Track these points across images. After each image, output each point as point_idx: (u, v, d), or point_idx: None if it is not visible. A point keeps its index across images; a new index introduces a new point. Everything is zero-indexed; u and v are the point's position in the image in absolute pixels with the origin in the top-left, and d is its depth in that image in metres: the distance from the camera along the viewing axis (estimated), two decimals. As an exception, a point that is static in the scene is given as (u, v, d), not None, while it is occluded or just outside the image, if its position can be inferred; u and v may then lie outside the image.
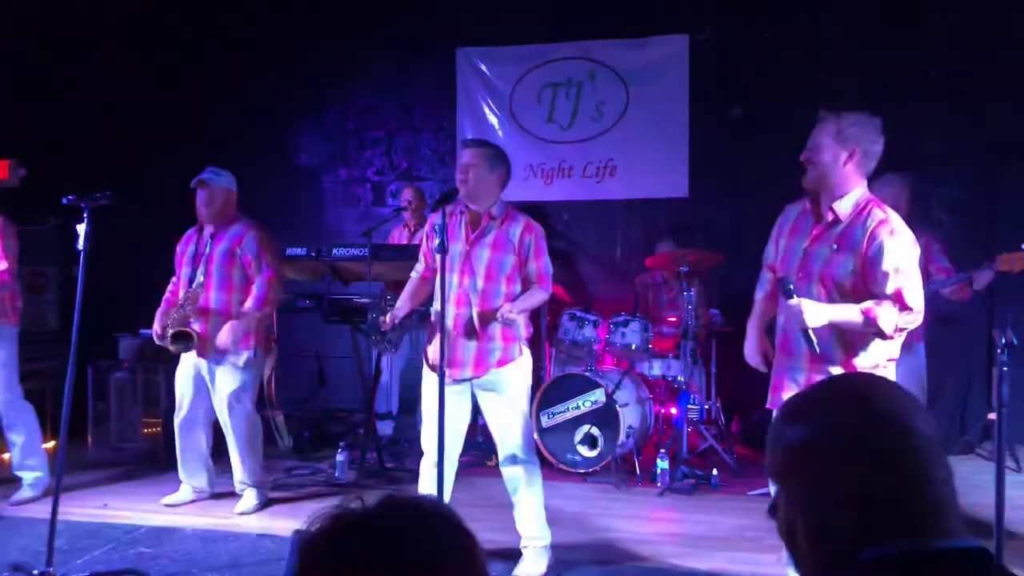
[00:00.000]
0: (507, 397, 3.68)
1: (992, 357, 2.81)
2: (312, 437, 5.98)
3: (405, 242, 6.24)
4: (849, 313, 2.82)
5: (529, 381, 3.78)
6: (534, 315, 4.21)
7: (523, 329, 3.74)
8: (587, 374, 5.41)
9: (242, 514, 4.53)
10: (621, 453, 5.30)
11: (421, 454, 3.79)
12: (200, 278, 4.51)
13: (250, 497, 4.63)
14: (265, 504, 4.65)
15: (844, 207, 2.97)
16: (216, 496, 4.78)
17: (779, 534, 1.17)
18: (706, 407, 5.78)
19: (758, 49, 6.58)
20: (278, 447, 5.87)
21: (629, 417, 5.32)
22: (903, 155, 5.76)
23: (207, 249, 4.57)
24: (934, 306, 4.78)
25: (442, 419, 3.35)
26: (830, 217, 2.99)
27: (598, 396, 5.29)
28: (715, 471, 5.12)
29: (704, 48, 6.72)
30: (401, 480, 5.08)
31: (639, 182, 6.89)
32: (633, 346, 5.51)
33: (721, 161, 6.59)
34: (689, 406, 5.48)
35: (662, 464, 5.05)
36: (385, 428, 5.95)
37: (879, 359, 2.94)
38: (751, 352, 3.42)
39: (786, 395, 3.05)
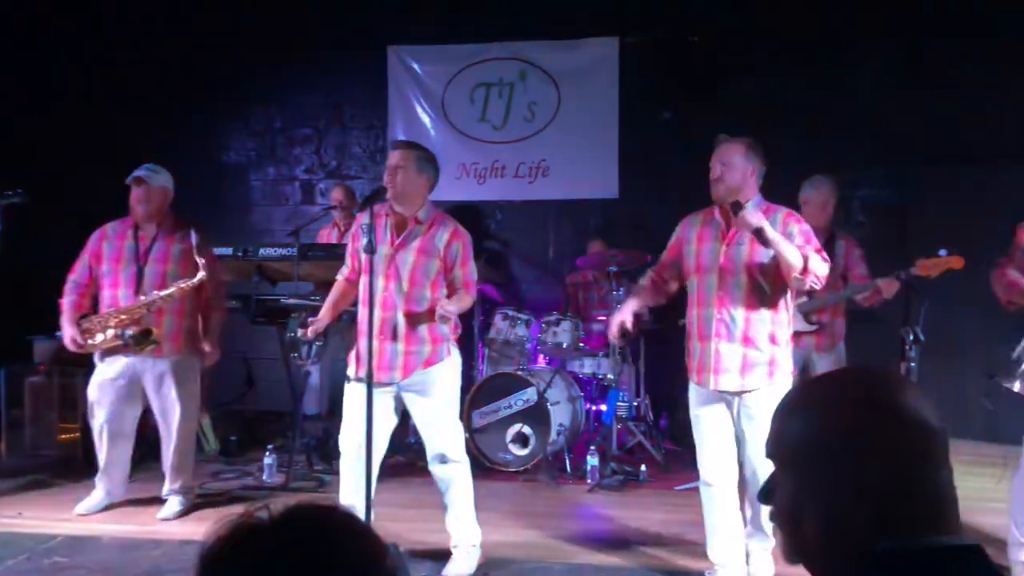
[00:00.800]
0: (435, 398, 3.66)
1: (902, 353, 2.92)
2: (239, 440, 5.86)
3: (335, 242, 6.16)
4: (791, 244, 3.28)
5: (458, 381, 3.77)
6: (466, 315, 4.20)
7: (451, 330, 3.74)
8: (519, 373, 5.44)
9: (165, 520, 4.41)
10: (552, 451, 5.34)
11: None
12: (171, 280, 4.37)
13: (174, 503, 4.51)
14: (189, 509, 4.54)
15: (752, 208, 3.41)
16: (135, 502, 4.65)
17: (772, 519, 1.17)
18: (635, 404, 5.87)
19: (685, 53, 6.70)
20: (204, 451, 5.74)
21: (560, 415, 5.36)
22: (827, 157, 5.99)
23: (155, 250, 4.42)
24: (851, 305, 4.97)
25: (370, 422, 3.33)
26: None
27: (530, 395, 5.31)
28: (643, 467, 5.20)
29: (633, 51, 6.81)
30: (330, 482, 5.01)
31: (571, 182, 6.95)
32: (564, 345, 5.55)
33: (650, 162, 6.69)
34: (618, 403, 5.55)
35: (592, 461, 5.10)
36: (314, 430, 5.86)
37: (782, 340, 3.44)
38: (615, 321, 3.74)
39: (723, 377, 3.41)
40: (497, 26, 6.96)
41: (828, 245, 4.94)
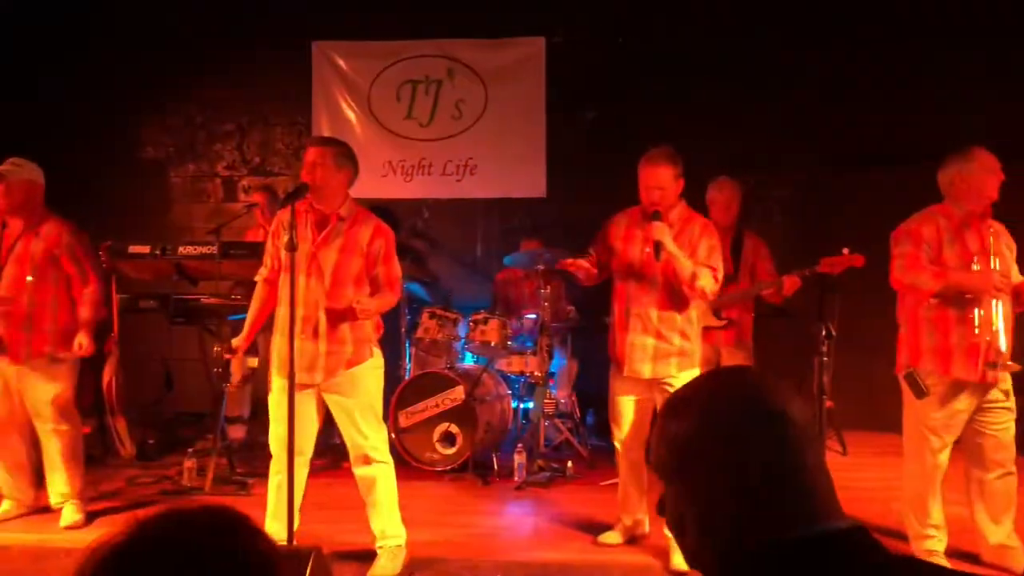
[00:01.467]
0: (358, 398, 3.62)
1: (815, 348, 3.03)
2: (157, 444, 5.69)
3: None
4: (686, 259, 3.74)
5: (381, 382, 3.73)
6: (392, 314, 4.17)
7: (374, 330, 3.70)
8: (446, 372, 5.42)
9: (70, 529, 4.24)
10: (480, 450, 5.34)
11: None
12: (29, 278, 4.19)
13: (71, 511, 4.32)
14: (90, 517, 4.37)
15: (674, 216, 3.85)
16: (47, 511, 4.46)
17: (669, 529, 1.19)
18: (563, 401, 5.91)
19: (611, 53, 6.78)
20: (119, 456, 5.54)
21: (487, 414, 5.37)
22: (743, 158, 6.14)
23: (16, 248, 4.21)
24: (761, 301, 5.11)
25: (291, 424, 3.28)
26: (669, 225, 3.80)
27: (457, 394, 5.30)
28: (570, 463, 5.25)
29: (560, 51, 6.86)
30: (253, 485, 4.91)
31: (499, 181, 6.96)
32: (492, 343, 5.55)
33: (577, 162, 6.75)
34: (546, 401, 5.58)
35: (519, 459, 5.12)
36: (236, 432, 5.73)
37: (692, 335, 3.88)
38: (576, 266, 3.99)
39: (638, 364, 3.85)
40: (424, 23, 6.92)
41: (736, 243, 5.09)
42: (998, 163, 3.59)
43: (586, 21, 6.82)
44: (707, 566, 1.15)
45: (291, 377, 3.29)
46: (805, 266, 4.51)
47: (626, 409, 3.94)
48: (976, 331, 3.55)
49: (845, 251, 4.21)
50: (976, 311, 3.56)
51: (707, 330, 5.03)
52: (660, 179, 3.74)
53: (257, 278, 3.81)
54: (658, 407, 3.79)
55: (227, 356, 3.82)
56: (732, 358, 5.10)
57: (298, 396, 3.37)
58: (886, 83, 6.19)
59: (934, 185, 3.74)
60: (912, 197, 3.80)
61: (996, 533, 3.68)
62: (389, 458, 3.74)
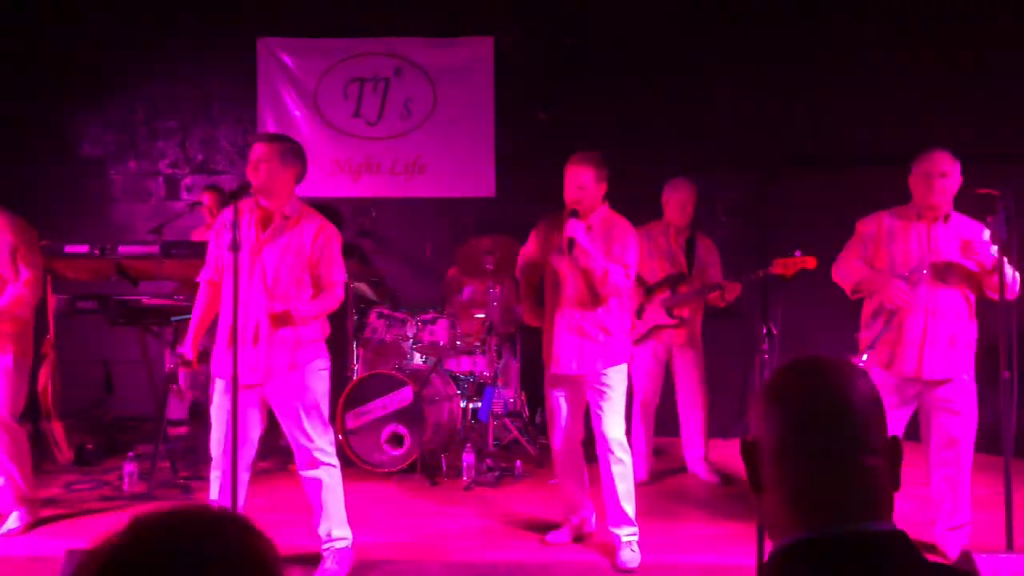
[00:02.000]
0: (304, 400, 3.58)
1: (756, 346, 3.10)
2: (97, 448, 5.54)
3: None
4: (598, 258, 3.78)
5: (327, 383, 3.70)
6: (339, 314, 4.13)
7: (319, 330, 3.66)
8: (394, 373, 5.39)
9: (7, 533, 4.11)
10: (429, 450, 5.32)
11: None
12: None
13: (14, 517, 4.20)
14: (34, 523, 4.24)
15: (596, 219, 3.94)
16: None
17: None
18: (511, 400, 5.93)
19: (560, 54, 6.81)
20: (57, 461, 5.40)
21: (436, 414, 5.35)
22: (693, 159, 6.22)
23: None
24: (707, 302, 5.19)
25: (233, 427, 3.24)
26: (586, 226, 3.89)
27: (405, 395, 5.27)
28: (518, 463, 5.26)
29: (509, 51, 6.87)
30: (196, 489, 4.82)
31: (447, 181, 6.94)
32: (441, 343, 5.54)
33: (526, 162, 6.76)
34: (495, 400, 5.59)
35: (468, 459, 5.12)
36: (179, 435, 5.62)
37: (615, 330, 3.91)
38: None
39: (564, 361, 3.91)
40: (371, 21, 6.87)
41: (689, 244, 5.16)
42: (941, 167, 3.61)
43: (535, 22, 6.84)
44: (769, 533, 1.20)
45: (234, 380, 3.24)
46: (757, 268, 4.58)
47: (557, 406, 4.01)
48: (893, 329, 3.67)
49: (798, 252, 4.30)
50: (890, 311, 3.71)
51: (659, 328, 5.11)
52: (582, 179, 3.83)
53: (200, 279, 3.74)
54: (589, 405, 3.93)
55: (184, 369, 3.73)
56: (684, 356, 5.17)
57: (240, 398, 3.32)
58: (835, 84, 6.30)
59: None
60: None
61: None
62: (335, 460, 3.71)
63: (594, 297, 3.88)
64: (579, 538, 4.09)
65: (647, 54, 6.68)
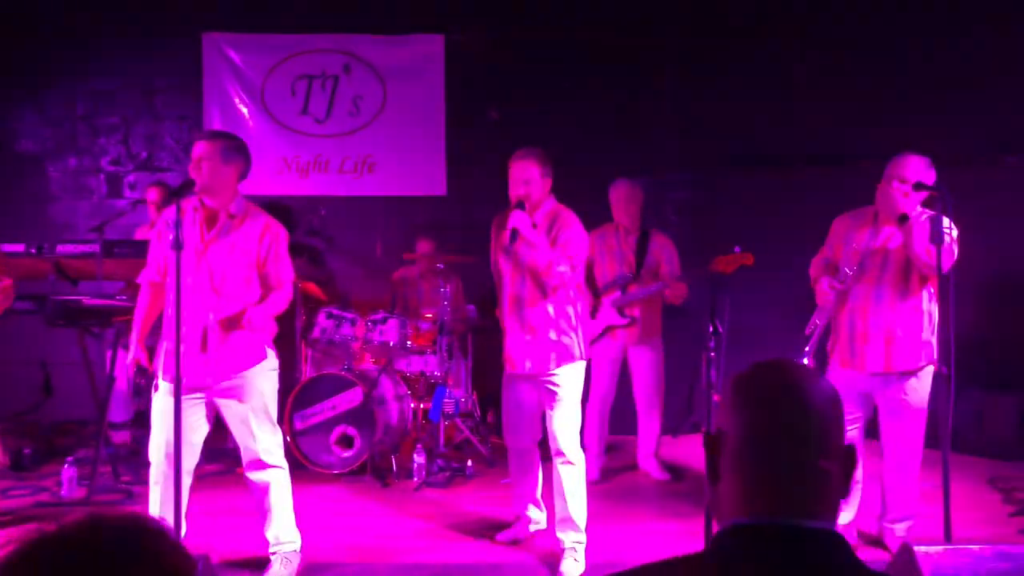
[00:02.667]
0: (251, 402, 3.51)
1: (704, 344, 3.15)
2: (34, 453, 5.37)
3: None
4: (543, 248, 3.72)
5: (275, 383, 3.63)
6: (287, 314, 4.07)
7: (268, 330, 3.60)
8: (343, 373, 5.32)
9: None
10: (379, 451, 5.27)
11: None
12: None
13: None
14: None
15: (541, 214, 3.86)
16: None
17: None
18: (462, 400, 5.90)
19: (512, 53, 6.80)
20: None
21: (386, 415, 5.30)
22: (642, 158, 6.27)
23: None
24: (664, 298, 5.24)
25: (179, 430, 3.16)
26: (532, 222, 3.81)
27: (355, 395, 5.22)
28: (470, 462, 5.24)
29: (460, 49, 6.84)
30: (139, 495, 4.70)
31: (397, 179, 6.89)
32: (391, 343, 5.49)
33: (478, 161, 6.74)
34: (446, 400, 5.56)
35: (418, 459, 5.08)
36: (121, 439, 5.49)
37: (568, 328, 3.85)
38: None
39: (518, 360, 3.86)
40: (320, 17, 6.78)
41: (641, 242, 5.20)
42: (898, 171, 3.63)
43: (486, 21, 6.83)
44: (717, 518, 1.24)
45: (177, 383, 3.16)
46: (696, 266, 4.64)
47: (513, 406, 3.97)
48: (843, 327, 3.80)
49: (737, 249, 4.36)
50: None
51: (612, 329, 5.13)
52: (527, 173, 3.78)
53: (141, 280, 3.64)
54: (543, 405, 3.87)
55: (141, 381, 3.63)
56: (638, 355, 5.20)
57: (184, 401, 3.24)
58: (783, 85, 6.39)
59: (832, 187, 3.91)
60: (809, 198, 3.95)
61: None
62: (284, 462, 3.65)
63: (541, 292, 3.81)
64: (524, 540, 4.06)
65: (598, 53, 6.71)
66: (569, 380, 3.82)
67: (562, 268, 3.73)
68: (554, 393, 3.81)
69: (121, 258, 4.86)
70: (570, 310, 3.86)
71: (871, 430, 3.92)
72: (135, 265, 4.51)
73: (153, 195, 5.90)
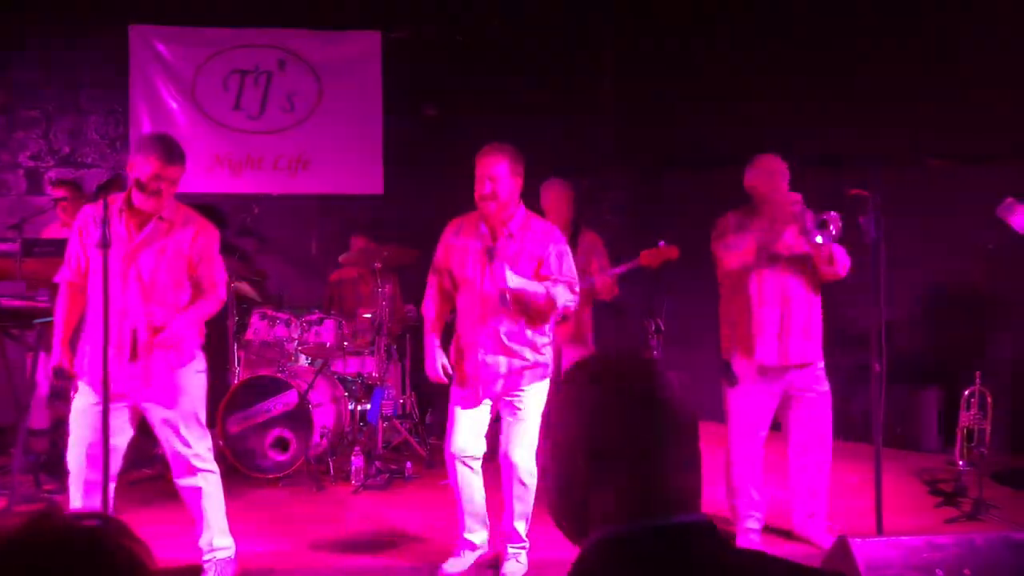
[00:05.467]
0: (180, 406, 3.40)
1: (645, 342, 3.17)
2: (-52, 462, 5.12)
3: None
4: (535, 286, 3.48)
5: (203, 386, 3.53)
6: (220, 315, 3.96)
7: (196, 331, 3.50)
8: (278, 375, 5.21)
9: None
10: (315, 454, 5.17)
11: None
12: None
13: None
14: None
15: (516, 224, 3.60)
16: None
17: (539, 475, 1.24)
18: (401, 401, 5.84)
19: (451, 52, 6.77)
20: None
21: (323, 417, 5.21)
22: (577, 159, 6.30)
23: None
24: (595, 297, 5.26)
25: (106, 439, 3.06)
26: (507, 233, 3.57)
27: (290, 398, 5.11)
28: (409, 464, 5.19)
29: (398, 47, 6.78)
30: (61, 503, 4.52)
31: (333, 177, 6.79)
32: (327, 344, 5.40)
33: (416, 159, 6.69)
34: (384, 401, 5.49)
35: (356, 462, 5.01)
36: (42, 446, 5.26)
37: (541, 344, 3.63)
38: (434, 368, 3.75)
39: (488, 383, 3.56)
40: (253, 11, 6.64)
41: (572, 240, 5.21)
42: (775, 165, 3.88)
43: (424, 18, 6.78)
44: (563, 527, 1.19)
45: (105, 389, 3.04)
46: (622, 262, 4.68)
47: (466, 422, 3.64)
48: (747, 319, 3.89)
49: (661, 243, 4.41)
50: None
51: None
52: (494, 169, 3.48)
53: (58, 279, 3.49)
54: (501, 419, 3.66)
55: (73, 392, 3.48)
56: (571, 353, 5.20)
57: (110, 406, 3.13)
58: (723, 84, 6.47)
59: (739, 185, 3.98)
60: (748, 198, 4.00)
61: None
62: (215, 466, 3.54)
63: (523, 312, 3.55)
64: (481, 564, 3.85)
65: (536, 53, 6.72)
66: (535, 401, 3.60)
67: (564, 298, 3.50)
68: (516, 412, 3.59)
69: (41, 257, 4.66)
70: (545, 327, 3.65)
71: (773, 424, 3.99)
72: (56, 264, 4.33)
73: (60, 191, 5.66)
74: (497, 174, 3.49)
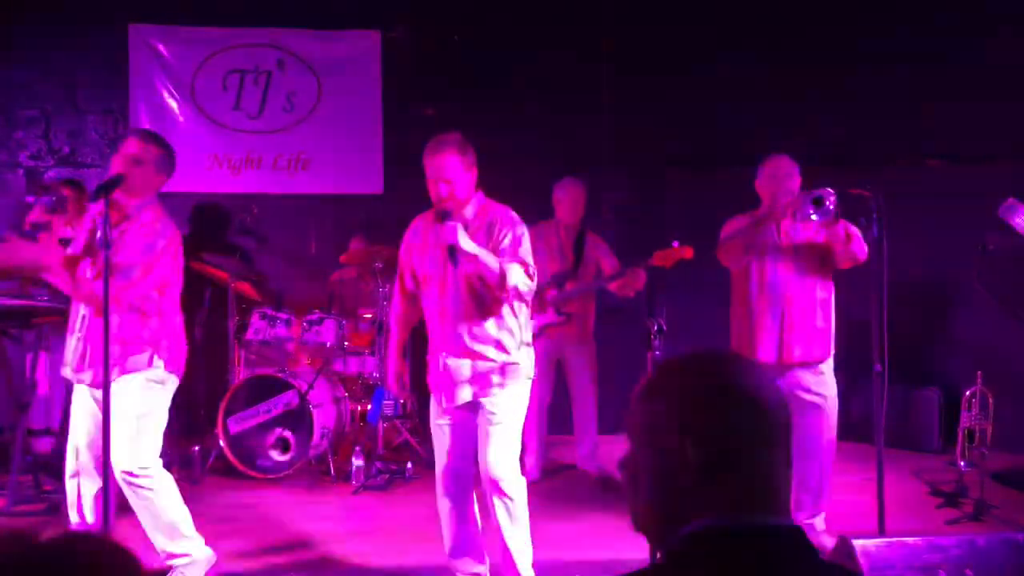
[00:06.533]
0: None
1: (647, 343, 3.14)
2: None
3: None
4: (489, 257, 3.16)
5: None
6: (221, 314, 3.97)
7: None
8: (279, 375, 5.21)
9: None
10: (316, 454, 5.17)
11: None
12: None
13: None
14: None
15: (469, 213, 3.31)
16: None
17: (624, 487, 1.21)
18: (401, 401, 5.83)
19: (449, 50, 6.76)
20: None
21: (323, 417, 5.21)
22: (578, 158, 6.28)
23: None
24: (604, 299, 5.27)
25: (107, 434, 3.05)
26: (463, 218, 3.27)
27: (291, 397, 5.11)
28: (409, 464, 5.18)
29: (397, 46, 6.77)
30: (62, 503, 4.51)
31: (333, 177, 6.78)
32: (328, 344, 5.39)
33: (415, 159, 6.64)
34: (384, 402, 5.48)
35: (357, 462, 5.00)
36: (43, 447, 5.26)
37: (511, 346, 3.32)
38: (393, 379, 3.59)
39: (456, 391, 3.29)
40: (252, 11, 6.62)
41: (578, 242, 5.22)
42: (786, 168, 3.84)
43: (423, 17, 6.76)
44: (650, 532, 1.18)
45: (105, 390, 3.04)
46: (637, 262, 4.67)
47: (442, 435, 3.36)
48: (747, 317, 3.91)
49: (675, 244, 4.41)
50: None
51: (548, 327, 5.12)
52: (445, 169, 3.20)
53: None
54: (479, 430, 3.30)
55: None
56: (575, 354, 5.21)
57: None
58: (723, 84, 6.47)
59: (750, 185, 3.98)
60: (748, 199, 3.99)
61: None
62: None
63: (485, 309, 3.26)
64: None
65: (535, 52, 6.71)
66: (510, 405, 3.29)
67: (518, 278, 3.17)
68: (490, 419, 3.27)
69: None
70: (513, 323, 3.33)
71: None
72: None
73: (63, 191, 5.64)
74: (451, 176, 3.21)
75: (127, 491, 3.32)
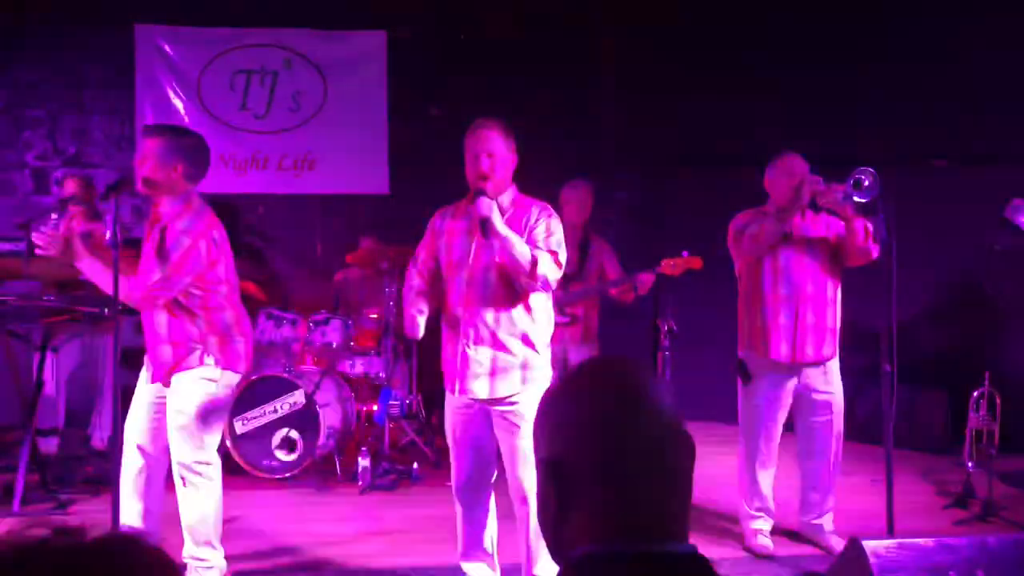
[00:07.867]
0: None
1: (658, 344, 3.13)
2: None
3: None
4: (520, 241, 3.08)
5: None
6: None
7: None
8: (285, 375, 5.20)
9: None
10: (322, 455, 5.17)
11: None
12: None
13: None
14: None
15: (505, 201, 3.23)
16: None
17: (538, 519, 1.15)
18: (407, 402, 5.83)
19: (454, 50, 6.76)
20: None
21: (330, 417, 5.20)
22: (583, 159, 6.28)
23: None
24: (608, 301, 5.26)
25: (116, 430, 3.07)
26: (500, 209, 3.18)
27: (297, 398, 5.10)
28: (416, 465, 5.17)
29: (403, 46, 6.77)
30: (68, 503, 4.52)
31: (339, 177, 6.78)
32: (334, 344, 5.39)
33: (421, 159, 6.67)
34: (391, 402, 5.48)
35: (363, 462, 4.99)
36: (49, 446, 5.26)
37: (538, 342, 3.26)
38: (412, 323, 3.35)
39: (472, 382, 3.19)
40: (259, 11, 6.63)
41: (583, 244, 5.21)
42: (795, 167, 3.79)
43: (428, 17, 6.76)
44: (551, 553, 1.13)
45: (115, 396, 3.05)
46: (645, 268, 4.67)
47: (465, 441, 3.28)
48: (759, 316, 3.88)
49: (685, 253, 4.41)
50: None
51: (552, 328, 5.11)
52: (490, 141, 3.16)
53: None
54: (503, 442, 3.23)
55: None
56: (580, 355, 5.18)
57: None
58: (729, 83, 6.45)
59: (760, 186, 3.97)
60: (755, 200, 3.99)
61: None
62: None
63: (514, 299, 3.16)
64: None
65: (541, 52, 6.70)
66: (530, 411, 2.95)
67: (547, 267, 3.08)
68: (515, 426, 3.14)
69: (48, 257, 4.64)
70: (541, 317, 3.26)
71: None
72: (62, 265, 4.32)
73: (71, 186, 5.65)
74: (494, 149, 3.16)
75: (178, 482, 3.37)
